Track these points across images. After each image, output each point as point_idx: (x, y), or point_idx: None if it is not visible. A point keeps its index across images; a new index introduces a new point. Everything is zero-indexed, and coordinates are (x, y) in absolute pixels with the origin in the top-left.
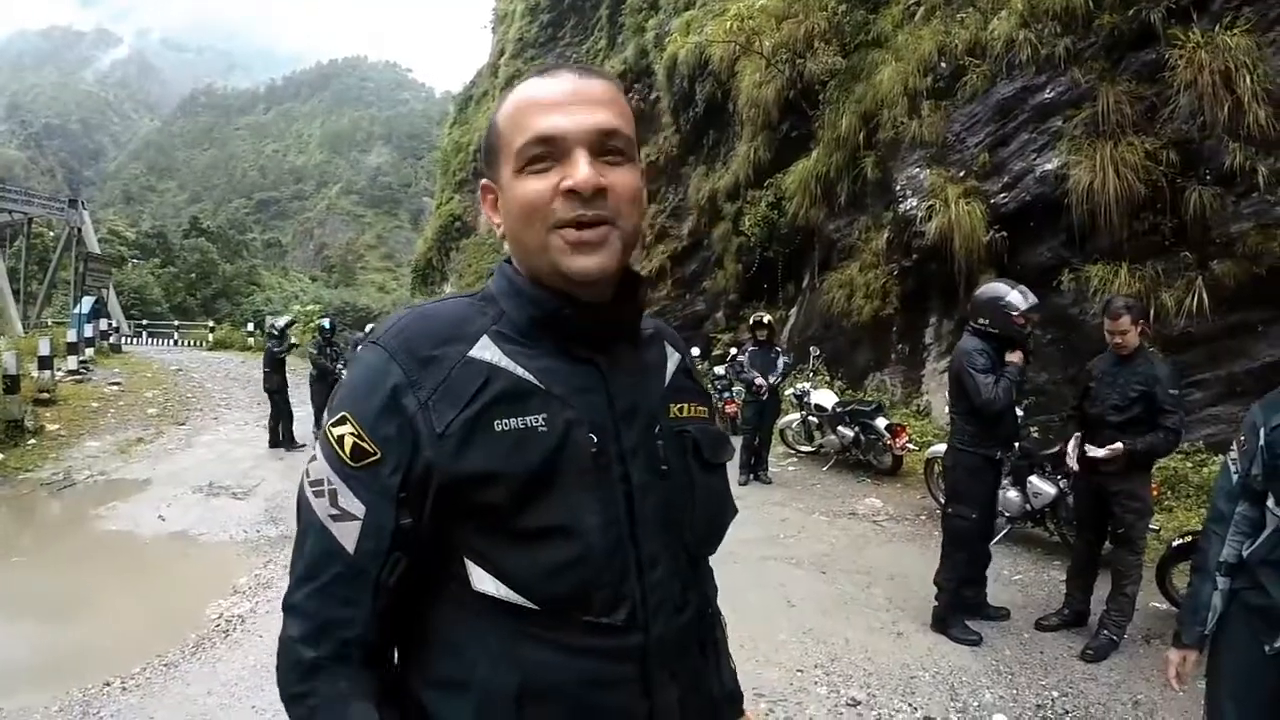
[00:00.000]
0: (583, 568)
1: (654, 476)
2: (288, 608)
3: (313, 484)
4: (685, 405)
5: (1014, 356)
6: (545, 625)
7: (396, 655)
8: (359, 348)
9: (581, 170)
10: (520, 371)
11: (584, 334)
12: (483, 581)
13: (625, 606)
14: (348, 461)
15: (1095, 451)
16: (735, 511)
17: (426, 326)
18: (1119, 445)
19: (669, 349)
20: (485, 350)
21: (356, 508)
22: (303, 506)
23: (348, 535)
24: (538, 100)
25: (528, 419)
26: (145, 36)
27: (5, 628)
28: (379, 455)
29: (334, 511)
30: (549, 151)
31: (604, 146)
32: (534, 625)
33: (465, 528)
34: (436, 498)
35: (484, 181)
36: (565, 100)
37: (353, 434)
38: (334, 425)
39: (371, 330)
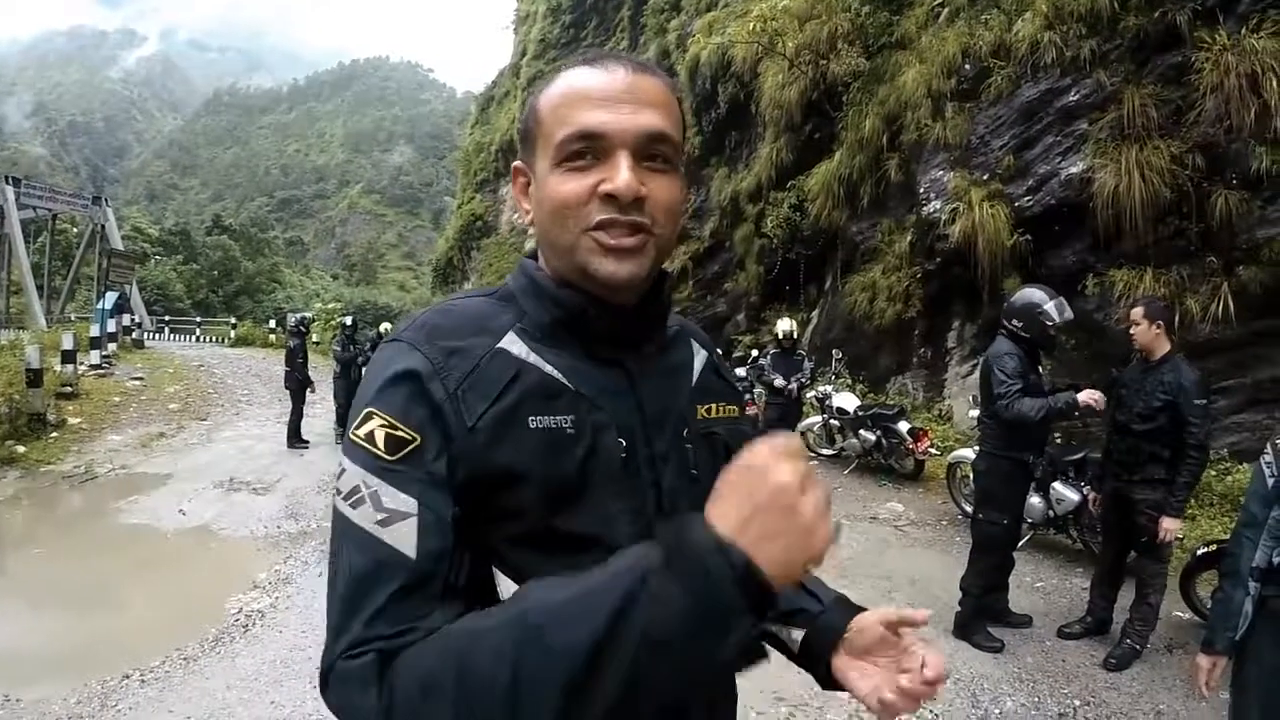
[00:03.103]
0: None
1: (685, 482)
2: (336, 663)
3: (347, 496)
4: (714, 405)
5: (1089, 398)
6: None
7: None
8: (379, 345)
9: (622, 175)
10: (548, 368)
11: (608, 336)
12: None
13: None
14: (383, 455)
15: (1166, 533)
16: None
17: (450, 320)
18: (1176, 524)
19: (696, 346)
20: (513, 345)
21: (406, 503)
22: (340, 528)
23: (403, 538)
24: (585, 92)
25: (557, 418)
26: (169, 36)
27: (25, 619)
28: (418, 440)
29: (380, 516)
30: (590, 148)
31: (649, 151)
32: None
33: (490, 533)
34: (464, 498)
35: (516, 163)
36: (614, 97)
37: (383, 425)
38: (359, 426)
39: (388, 328)
